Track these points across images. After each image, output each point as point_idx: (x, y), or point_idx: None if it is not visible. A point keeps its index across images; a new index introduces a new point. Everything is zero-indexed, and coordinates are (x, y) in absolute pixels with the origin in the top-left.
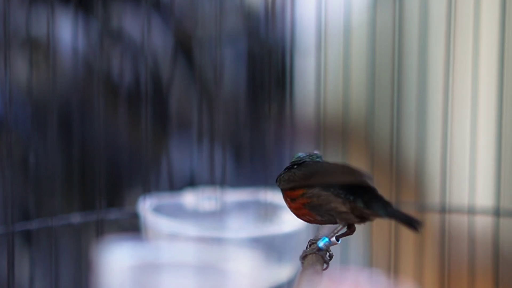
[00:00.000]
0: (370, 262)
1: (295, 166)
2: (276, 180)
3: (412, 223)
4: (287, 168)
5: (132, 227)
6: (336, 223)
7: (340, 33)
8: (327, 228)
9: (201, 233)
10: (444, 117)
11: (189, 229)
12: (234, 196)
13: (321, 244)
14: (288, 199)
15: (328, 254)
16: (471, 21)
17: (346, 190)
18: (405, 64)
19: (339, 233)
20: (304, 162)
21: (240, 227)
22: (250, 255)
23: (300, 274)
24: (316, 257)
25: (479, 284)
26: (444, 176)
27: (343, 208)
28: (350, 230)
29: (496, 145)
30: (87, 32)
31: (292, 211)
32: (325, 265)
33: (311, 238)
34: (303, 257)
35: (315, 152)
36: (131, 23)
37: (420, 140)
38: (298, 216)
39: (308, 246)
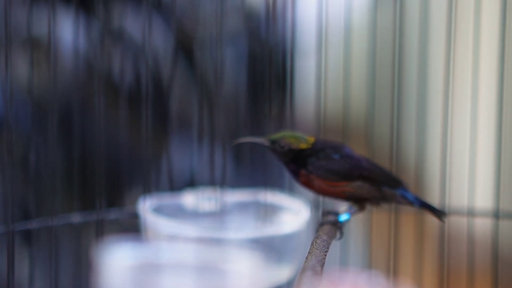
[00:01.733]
0: (369, 264)
1: (332, 156)
2: (308, 165)
3: (439, 213)
4: (316, 153)
5: (132, 227)
6: (355, 202)
7: (341, 34)
8: (327, 228)
9: (201, 234)
10: (444, 119)
11: (189, 229)
12: (234, 196)
13: (342, 218)
14: (324, 184)
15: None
16: (471, 22)
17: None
18: (406, 65)
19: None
20: (341, 154)
21: (240, 228)
22: (250, 256)
23: (300, 274)
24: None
25: (478, 286)
26: (444, 178)
27: (377, 195)
28: (362, 209)
29: (496, 148)
30: (88, 31)
31: (320, 190)
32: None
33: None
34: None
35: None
36: (132, 23)
37: (420, 142)
38: (326, 194)
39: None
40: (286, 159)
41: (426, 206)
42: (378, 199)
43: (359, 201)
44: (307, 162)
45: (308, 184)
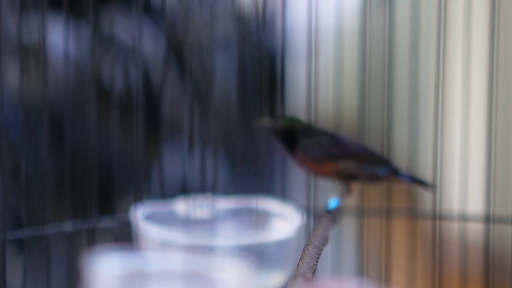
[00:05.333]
0: (361, 270)
1: (322, 140)
2: (300, 147)
3: (427, 186)
4: (305, 135)
5: (125, 235)
6: (343, 181)
7: (332, 39)
8: (319, 235)
9: (192, 241)
10: (435, 124)
11: (181, 237)
12: (226, 203)
13: (332, 205)
14: (313, 163)
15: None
16: (461, 27)
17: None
18: (396, 71)
19: (343, 196)
20: (331, 138)
21: (231, 235)
22: (240, 264)
23: (291, 281)
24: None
25: None
26: (435, 183)
27: (364, 174)
28: (350, 191)
29: (487, 152)
30: (78, 38)
31: (311, 169)
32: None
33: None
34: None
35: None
36: (123, 29)
37: (412, 147)
38: (318, 173)
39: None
40: (283, 137)
41: (415, 180)
42: (366, 178)
43: (347, 181)
44: (300, 145)
45: (301, 163)
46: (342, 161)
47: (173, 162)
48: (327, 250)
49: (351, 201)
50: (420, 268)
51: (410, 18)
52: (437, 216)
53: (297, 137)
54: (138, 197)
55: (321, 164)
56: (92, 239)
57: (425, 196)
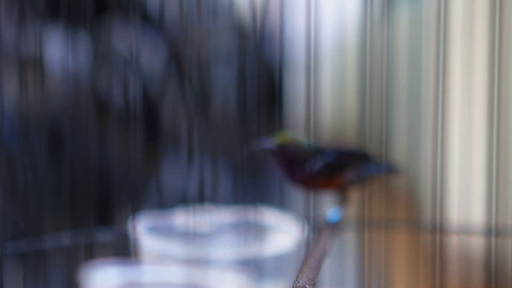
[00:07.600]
0: (362, 283)
1: (324, 156)
2: (306, 166)
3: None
4: (305, 152)
5: (123, 247)
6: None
7: (332, 53)
8: (319, 248)
9: (191, 254)
10: (435, 136)
11: (179, 249)
12: (225, 215)
13: (334, 219)
14: (321, 180)
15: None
16: (461, 43)
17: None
18: (396, 84)
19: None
20: (329, 151)
21: (230, 248)
22: (239, 277)
23: None
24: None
25: None
26: (435, 195)
27: (360, 181)
28: (346, 199)
29: (488, 165)
30: (77, 50)
31: (317, 187)
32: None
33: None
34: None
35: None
36: (122, 41)
37: (412, 158)
38: (324, 189)
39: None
40: (282, 157)
41: (388, 170)
42: (361, 181)
43: (345, 189)
44: (305, 163)
45: (305, 182)
46: (347, 171)
47: (172, 174)
48: (327, 263)
49: (352, 212)
50: (421, 280)
51: (410, 32)
52: (437, 229)
53: (297, 155)
54: (137, 209)
55: (329, 179)
56: (90, 251)
57: (426, 208)
